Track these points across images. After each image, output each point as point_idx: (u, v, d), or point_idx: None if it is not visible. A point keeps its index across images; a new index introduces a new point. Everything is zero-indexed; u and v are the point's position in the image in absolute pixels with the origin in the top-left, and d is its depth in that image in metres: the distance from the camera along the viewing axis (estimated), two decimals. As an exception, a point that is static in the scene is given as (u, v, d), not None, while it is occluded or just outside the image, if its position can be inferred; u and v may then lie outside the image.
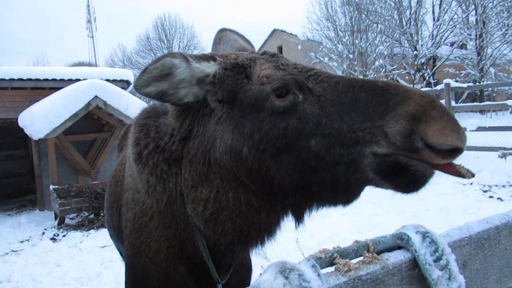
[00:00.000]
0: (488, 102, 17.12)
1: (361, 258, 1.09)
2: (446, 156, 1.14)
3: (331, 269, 1.05)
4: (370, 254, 1.09)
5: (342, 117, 1.25)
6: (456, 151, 1.13)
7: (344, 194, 1.31)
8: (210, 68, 1.43)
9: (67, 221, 8.78)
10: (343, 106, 1.26)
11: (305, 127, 1.27)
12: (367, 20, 24.79)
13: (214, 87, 1.42)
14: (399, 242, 1.17)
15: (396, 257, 1.11)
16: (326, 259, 1.04)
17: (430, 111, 1.14)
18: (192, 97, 1.43)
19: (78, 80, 10.61)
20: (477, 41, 23.57)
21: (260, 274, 0.98)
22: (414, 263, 1.12)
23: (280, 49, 33.28)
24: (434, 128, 1.12)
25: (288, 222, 1.55)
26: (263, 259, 4.99)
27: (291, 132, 1.28)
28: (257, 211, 1.41)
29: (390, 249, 1.17)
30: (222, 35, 1.93)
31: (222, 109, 1.41)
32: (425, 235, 1.15)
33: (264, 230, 1.46)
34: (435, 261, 1.10)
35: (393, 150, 1.16)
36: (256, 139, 1.31)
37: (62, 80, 11.08)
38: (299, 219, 1.45)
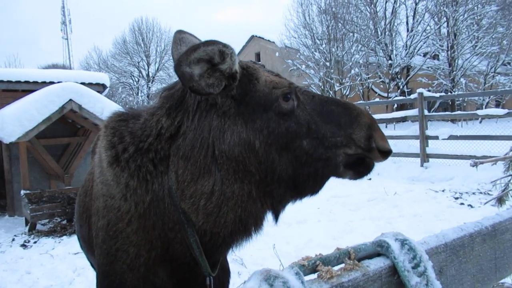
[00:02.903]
0: (459, 112, 17.68)
1: (342, 265, 1.11)
2: (384, 156, 1.57)
3: (314, 276, 1.07)
4: (351, 261, 1.11)
5: (325, 125, 1.55)
6: (389, 153, 1.58)
7: (317, 185, 1.59)
8: (236, 65, 1.49)
9: (38, 227, 8.51)
10: (323, 116, 1.56)
11: (300, 130, 1.52)
12: (344, 29, 25.24)
13: (234, 82, 1.50)
14: (379, 249, 1.20)
15: (376, 264, 1.14)
16: (309, 267, 1.06)
17: (374, 123, 1.58)
18: (218, 89, 1.46)
19: (52, 82, 10.32)
20: (449, 52, 24.34)
21: (244, 282, 0.99)
22: (394, 270, 1.15)
23: (258, 55, 33.41)
24: (378, 135, 1.56)
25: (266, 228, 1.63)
26: (240, 265, 4.97)
27: (291, 133, 1.51)
28: (255, 201, 1.50)
29: (370, 256, 1.20)
30: (182, 36, 1.95)
31: (230, 104, 1.49)
32: (403, 242, 1.19)
33: (259, 220, 1.55)
34: (413, 267, 1.14)
35: (358, 151, 1.54)
36: (265, 134, 1.49)
37: (35, 82, 10.76)
38: (277, 213, 1.61)
